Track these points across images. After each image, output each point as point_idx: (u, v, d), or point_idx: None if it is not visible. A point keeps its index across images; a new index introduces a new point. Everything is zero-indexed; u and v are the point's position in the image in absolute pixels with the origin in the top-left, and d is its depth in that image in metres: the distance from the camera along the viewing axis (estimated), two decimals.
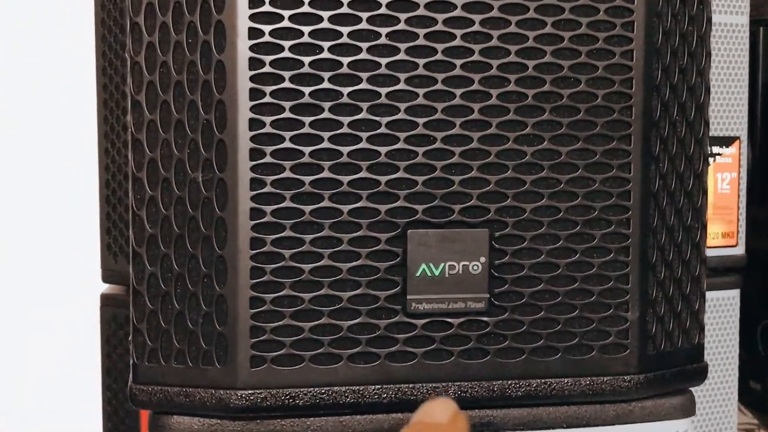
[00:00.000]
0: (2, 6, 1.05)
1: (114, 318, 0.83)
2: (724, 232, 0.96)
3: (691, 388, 0.54)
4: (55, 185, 1.07)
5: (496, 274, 0.49)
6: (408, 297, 0.48)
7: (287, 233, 0.47)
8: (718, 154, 0.92)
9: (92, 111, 0.84)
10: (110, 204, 0.84)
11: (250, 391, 0.47)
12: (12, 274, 1.06)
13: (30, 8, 1.06)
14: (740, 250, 0.95)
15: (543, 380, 0.50)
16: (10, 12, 1.05)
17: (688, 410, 0.53)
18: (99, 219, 0.83)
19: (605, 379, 0.50)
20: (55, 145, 1.07)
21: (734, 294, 0.96)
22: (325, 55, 0.47)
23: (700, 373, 0.54)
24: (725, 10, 0.88)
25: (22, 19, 1.05)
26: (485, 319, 0.49)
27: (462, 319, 0.49)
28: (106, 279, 0.84)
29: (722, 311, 0.94)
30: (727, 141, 0.94)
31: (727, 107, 0.92)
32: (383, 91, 0.47)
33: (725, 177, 0.95)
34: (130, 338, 0.49)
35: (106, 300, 0.84)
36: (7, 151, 1.06)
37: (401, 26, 0.47)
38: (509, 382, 0.49)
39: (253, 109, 0.46)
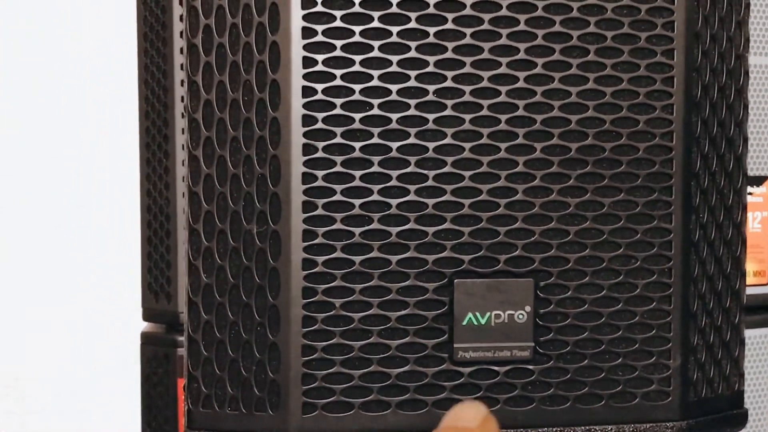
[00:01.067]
0: (42, 58, 1.08)
1: (154, 356, 0.85)
2: (755, 270, 0.96)
3: None
4: (99, 223, 1.09)
5: (540, 322, 0.50)
6: (455, 345, 0.49)
7: (338, 283, 0.49)
8: (749, 194, 0.93)
9: (135, 153, 0.86)
10: (151, 244, 0.86)
11: None
12: (56, 312, 1.08)
13: (69, 53, 1.08)
14: None
15: (587, 427, 0.51)
16: (50, 57, 1.08)
17: None
18: (140, 259, 0.86)
19: (648, 425, 0.51)
20: (99, 185, 1.09)
21: (766, 332, 0.97)
22: (375, 111, 0.48)
23: (740, 419, 0.55)
24: (753, 51, 0.89)
25: (64, 62, 1.08)
26: (530, 367, 0.50)
27: (508, 368, 0.50)
28: (146, 318, 0.86)
29: (755, 350, 0.95)
30: (757, 180, 0.95)
31: (758, 147, 0.93)
32: (430, 145, 0.49)
33: (756, 216, 0.96)
34: (185, 384, 0.50)
35: (146, 338, 0.86)
36: (52, 192, 1.08)
37: (448, 83, 0.49)
38: (554, 430, 0.50)
39: (306, 163, 0.48)
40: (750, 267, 0.93)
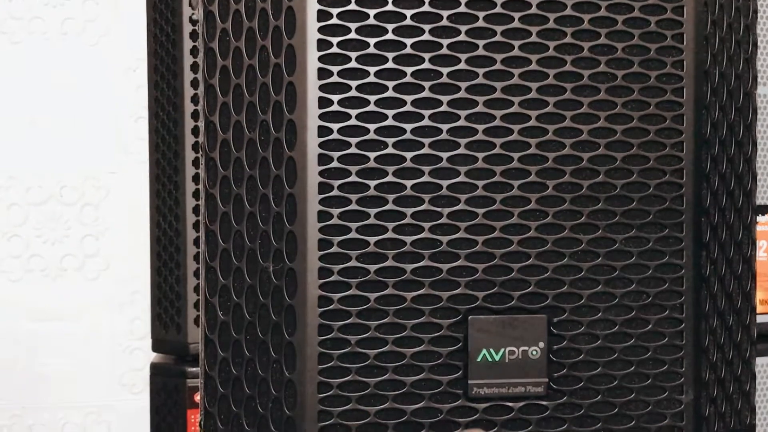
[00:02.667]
0: (50, 74, 1.09)
1: (164, 387, 0.85)
2: (762, 299, 0.97)
3: None
4: (107, 249, 1.10)
5: (554, 358, 0.51)
6: (469, 381, 0.50)
7: (353, 320, 0.49)
8: (757, 223, 0.93)
9: (144, 184, 0.87)
10: (161, 275, 0.86)
11: None
12: (63, 342, 1.08)
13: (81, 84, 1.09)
14: None
15: None
16: (62, 88, 1.09)
17: None
18: (150, 290, 0.86)
19: None
20: (110, 214, 1.10)
21: None
22: (390, 150, 0.49)
23: None
24: (760, 81, 0.90)
25: (76, 95, 1.09)
26: (544, 403, 0.50)
27: (522, 403, 0.50)
28: (156, 348, 0.87)
29: (761, 376, 0.95)
30: (763, 209, 0.95)
31: (763, 176, 0.94)
32: (444, 183, 0.50)
33: (762, 245, 0.96)
34: (200, 421, 0.51)
35: (156, 369, 0.86)
36: (61, 222, 1.09)
37: (461, 122, 0.50)
38: None
39: (321, 202, 0.49)
40: (759, 295, 0.94)
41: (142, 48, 0.87)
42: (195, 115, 0.82)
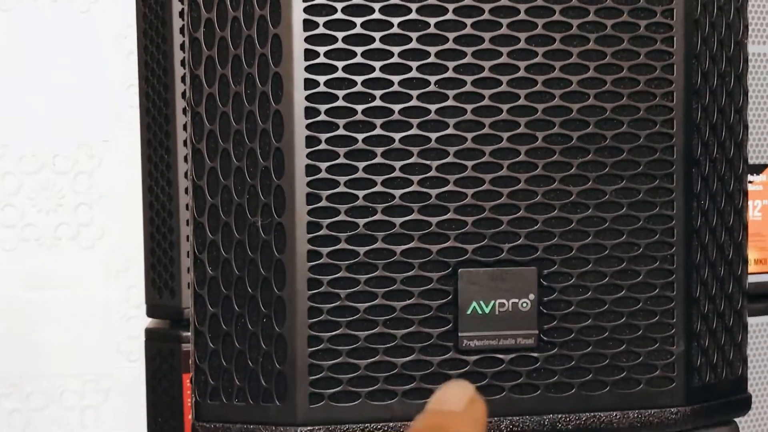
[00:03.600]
0: (49, 54, 1.08)
1: (159, 352, 0.85)
2: (756, 258, 0.97)
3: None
4: (102, 217, 1.09)
5: (544, 310, 0.51)
6: (459, 334, 0.50)
7: (343, 274, 0.49)
8: (749, 182, 0.93)
9: (138, 152, 0.87)
10: (154, 240, 0.86)
11: (309, 428, 0.49)
12: (59, 309, 1.09)
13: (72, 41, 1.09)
14: None
15: (592, 414, 0.51)
16: (57, 57, 1.08)
17: None
18: (143, 255, 0.86)
19: (652, 411, 0.52)
20: (103, 182, 1.09)
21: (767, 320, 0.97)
22: (378, 103, 0.49)
23: (743, 404, 0.56)
24: (753, 40, 0.89)
25: (64, 58, 1.08)
26: (535, 354, 0.50)
27: (512, 355, 0.50)
28: (150, 314, 0.87)
29: (756, 337, 0.95)
30: (757, 168, 0.95)
31: (757, 135, 0.93)
32: (433, 136, 0.49)
33: (756, 204, 0.96)
34: (192, 377, 0.51)
35: (150, 335, 0.86)
36: (54, 188, 1.09)
37: (449, 74, 0.49)
38: (559, 416, 0.51)
39: (309, 155, 0.48)
40: (751, 255, 0.94)
41: (133, 14, 0.86)
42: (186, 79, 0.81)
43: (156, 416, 0.85)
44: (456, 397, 0.34)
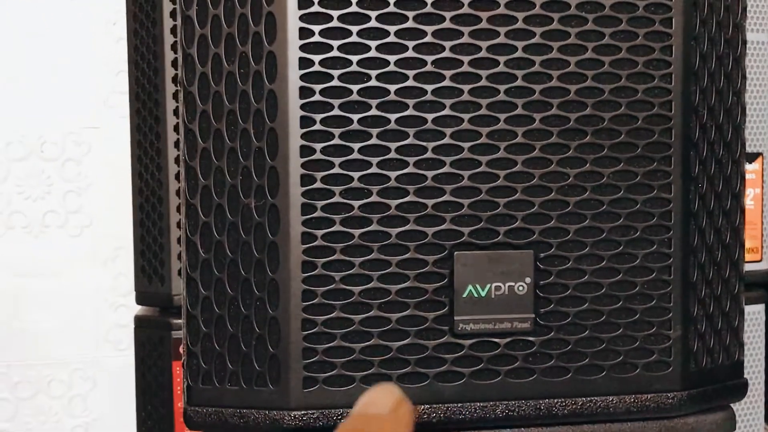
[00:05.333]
0: (42, 44, 1.07)
1: (149, 339, 0.85)
2: (749, 247, 0.96)
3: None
4: (90, 205, 1.08)
5: (541, 294, 0.50)
6: (455, 318, 0.49)
7: (337, 256, 0.48)
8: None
9: (127, 140, 0.86)
10: (144, 227, 0.85)
11: (302, 412, 0.48)
12: (47, 298, 1.08)
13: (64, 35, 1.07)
14: (765, 265, 0.96)
15: (588, 398, 0.50)
16: (49, 47, 1.07)
17: (729, 426, 0.54)
18: (133, 242, 0.85)
19: (649, 396, 0.51)
20: (92, 170, 1.08)
21: (759, 309, 0.97)
22: (373, 83, 0.48)
23: (740, 389, 0.55)
24: (753, 28, 0.89)
25: (54, 43, 1.07)
26: (531, 338, 0.50)
27: (508, 339, 0.50)
28: (140, 301, 0.86)
29: (748, 326, 0.95)
30: (750, 157, 0.95)
31: (751, 124, 0.93)
32: (429, 117, 0.49)
33: (749, 193, 0.96)
34: (183, 361, 0.50)
35: (140, 321, 0.85)
36: (43, 175, 1.07)
37: (446, 53, 0.48)
38: (555, 401, 0.50)
39: (303, 136, 0.48)
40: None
41: (122, 1, 0.85)
42: (176, 64, 0.81)
43: (145, 404, 0.84)
44: (382, 400, 0.33)
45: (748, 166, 0.94)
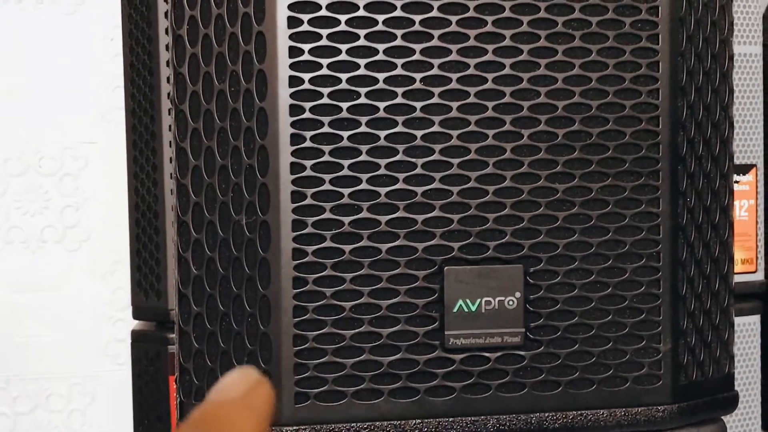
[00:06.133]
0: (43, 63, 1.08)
1: (145, 354, 0.85)
2: (743, 258, 0.97)
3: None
4: (88, 219, 1.09)
5: (531, 308, 0.50)
6: (446, 332, 0.50)
7: (328, 272, 0.49)
8: (736, 182, 0.93)
9: (124, 154, 0.86)
10: (140, 242, 0.85)
11: (294, 428, 0.48)
12: (45, 312, 1.08)
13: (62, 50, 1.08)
14: (760, 276, 0.97)
15: (579, 412, 0.51)
16: (49, 64, 1.08)
17: None
18: (129, 257, 0.85)
19: (639, 409, 0.51)
20: (89, 185, 1.09)
21: (755, 320, 0.97)
22: (362, 100, 0.49)
23: (730, 402, 0.55)
24: (739, 41, 0.89)
25: (52, 59, 1.08)
26: (521, 353, 0.50)
27: (499, 354, 0.50)
28: (137, 316, 0.86)
29: (743, 337, 0.95)
30: (744, 169, 0.95)
31: (743, 135, 0.94)
32: (418, 133, 0.49)
33: (743, 204, 0.96)
34: (176, 377, 0.50)
35: (137, 336, 0.85)
36: (40, 190, 1.08)
37: (434, 71, 0.49)
38: (546, 415, 0.50)
39: (294, 153, 0.48)
40: (738, 255, 0.94)
41: (119, 17, 0.86)
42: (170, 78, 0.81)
43: (142, 418, 0.85)
44: (235, 384, 0.31)
45: (742, 178, 0.94)
